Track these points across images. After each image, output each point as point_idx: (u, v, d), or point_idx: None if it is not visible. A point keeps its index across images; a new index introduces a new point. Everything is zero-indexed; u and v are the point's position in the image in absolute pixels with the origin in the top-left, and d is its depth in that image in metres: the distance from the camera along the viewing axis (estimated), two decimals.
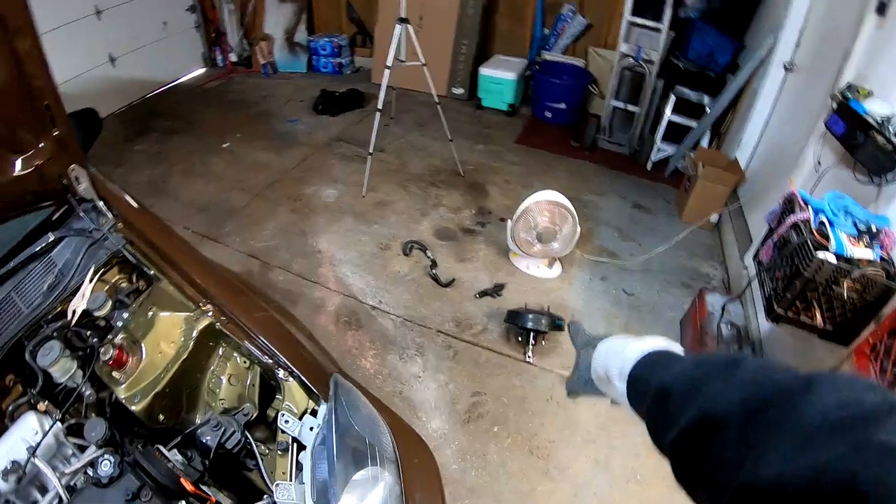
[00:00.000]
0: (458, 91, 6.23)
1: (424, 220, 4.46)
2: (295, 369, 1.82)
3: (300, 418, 1.74)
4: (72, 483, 1.66)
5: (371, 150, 4.55)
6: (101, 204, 2.33)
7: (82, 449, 1.79)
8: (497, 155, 5.34)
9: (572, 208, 3.66)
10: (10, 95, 1.98)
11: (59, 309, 2.13)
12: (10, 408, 1.94)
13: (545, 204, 3.68)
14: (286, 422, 1.73)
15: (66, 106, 2.19)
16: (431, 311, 3.63)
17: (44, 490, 1.69)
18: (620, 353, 0.96)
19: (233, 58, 7.34)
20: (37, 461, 1.64)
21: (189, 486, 1.58)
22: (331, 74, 7.02)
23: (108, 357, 1.90)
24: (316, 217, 4.49)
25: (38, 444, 1.68)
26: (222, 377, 2.00)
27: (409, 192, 4.79)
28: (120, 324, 2.08)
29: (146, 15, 6.29)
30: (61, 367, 1.96)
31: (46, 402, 1.93)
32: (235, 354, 2.02)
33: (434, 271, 3.89)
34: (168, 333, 2.00)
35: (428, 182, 4.92)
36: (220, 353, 2.04)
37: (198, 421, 1.92)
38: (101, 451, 1.67)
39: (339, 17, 6.97)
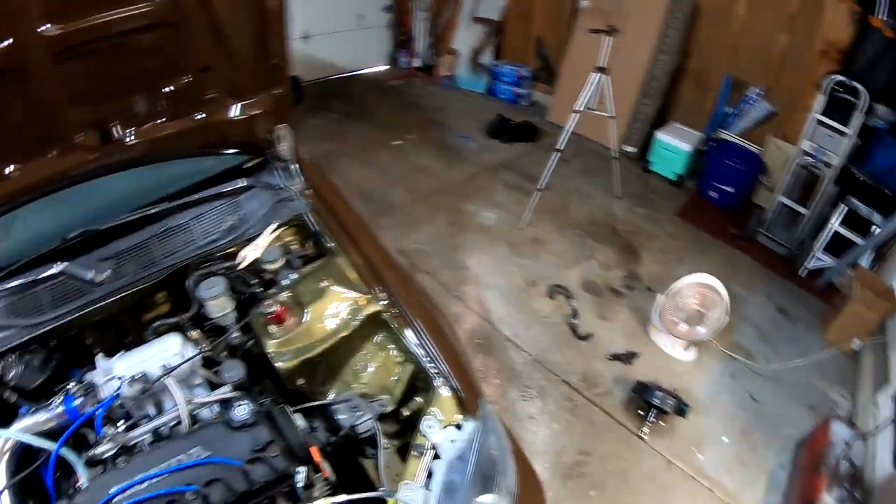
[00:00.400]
0: (629, 149, 6.25)
1: (575, 268, 4.56)
2: (455, 382, 1.89)
3: (443, 427, 1.79)
4: (193, 413, 1.78)
5: (540, 187, 4.70)
6: (295, 167, 2.50)
7: (212, 385, 1.94)
8: (656, 222, 5.36)
9: (726, 296, 3.67)
10: (248, 46, 2.18)
11: (230, 250, 2.31)
12: (157, 324, 2.12)
13: (697, 286, 3.72)
14: (430, 427, 1.78)
15: None
16: (562, 358, 3.75)
17: (159, 408, 1.83)
18: None
19: (416, 62, 7.69)
20: (170, 382, 1.76)
21: (316, 456, 1.66)
22: (507, 101, 7.19)
23: (270, 310, 2.04)
24: (471, 235, 4.71)
25: (177, 366, 1.81)
26: (370, 364, 2.10)
27: (565, 237, 4.90)
28: (286, 282, 2.21)
29: (345, 4, 6.90)
30: (219, 304, 2.12)
31: (198, 331, 2.12)
32: (391, 346, 2.10)
33: (574, 321, 4.01)
34: (335, 308, 2.09)
35: (585, 232, 5.01)
36: (377, 340, 2.13)
37: (330, 396, 2.02)
38: (237, 394, 1.79)
39: (526, 49, 7.16)
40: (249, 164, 2.51)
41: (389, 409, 1.99)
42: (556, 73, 6.74)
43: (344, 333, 2.03)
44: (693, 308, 3.76)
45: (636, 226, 5.24)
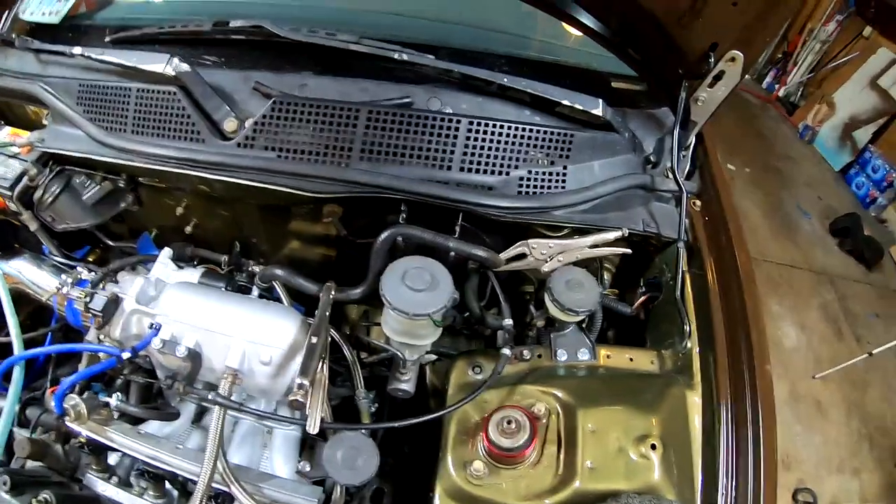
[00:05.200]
0: None
1: (834, 478, 3.39)
2: None
3: None
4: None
5: (871, 353, 3.52)
6: (691, 143, 1.43)
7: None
8: None
9: None
10: None
11: (505, 220, 1.33)
12: (281, 273, 1.36)
13: None
14: None
15: None
16: None
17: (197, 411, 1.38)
18: None
19: (781, 91, 6.75)
20: (215, 414, 1.12)
21: None
22: (857, 198, 5.71)
23: (521, 440, 1.08)
24: None
25: (252, 413, 1.24)
26: None
27: (848, 426, 3.66)
28: (566, 360, 1.24)
29: None
30: (413, 325, 1.14)
31: (339, 336, 1.33)
32: None
33: None
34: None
35: (869, 435, 3.68)
36: None
37: None
38: None
39: None
40: (624, 87, 1.51)
41: None
42: None
43: None
44: None
45: None
